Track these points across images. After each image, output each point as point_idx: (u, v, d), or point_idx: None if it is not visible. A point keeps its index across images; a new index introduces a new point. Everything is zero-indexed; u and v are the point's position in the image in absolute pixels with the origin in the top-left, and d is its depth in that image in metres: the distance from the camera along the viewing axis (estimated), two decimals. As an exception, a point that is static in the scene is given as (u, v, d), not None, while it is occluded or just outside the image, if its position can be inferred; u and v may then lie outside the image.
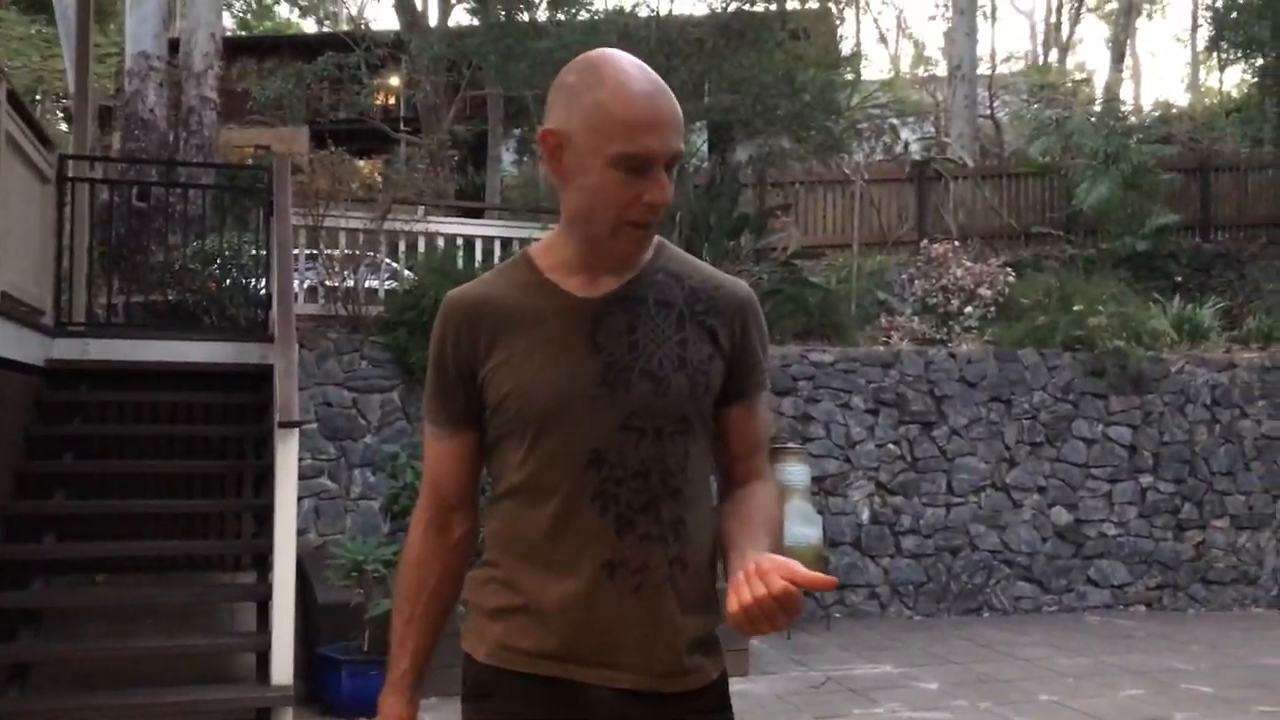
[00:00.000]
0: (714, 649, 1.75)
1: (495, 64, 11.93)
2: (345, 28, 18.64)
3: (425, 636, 1.79)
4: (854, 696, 6.20)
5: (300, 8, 29.85)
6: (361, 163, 13.07)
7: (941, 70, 23.94)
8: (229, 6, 25.20)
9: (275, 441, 5.69)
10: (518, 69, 11.24)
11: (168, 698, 5.39)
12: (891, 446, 8.69)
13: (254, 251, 8.24)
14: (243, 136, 18.14)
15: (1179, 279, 12.40)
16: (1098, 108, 17.31)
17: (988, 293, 10.00)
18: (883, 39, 36.68)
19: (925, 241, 11.68)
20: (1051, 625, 8.33)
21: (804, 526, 7.55)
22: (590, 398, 1.64)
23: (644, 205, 1.60)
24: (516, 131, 15.93)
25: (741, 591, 1.45)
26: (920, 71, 29.53)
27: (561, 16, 11.56)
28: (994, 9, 28.98)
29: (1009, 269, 10.59)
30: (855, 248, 11.64)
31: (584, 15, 11.76)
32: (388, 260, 8.97)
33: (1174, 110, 20.09)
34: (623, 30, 10.46)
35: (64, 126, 18.71)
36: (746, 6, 11.40)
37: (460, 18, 16.67)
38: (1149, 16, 31.64)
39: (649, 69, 1.64)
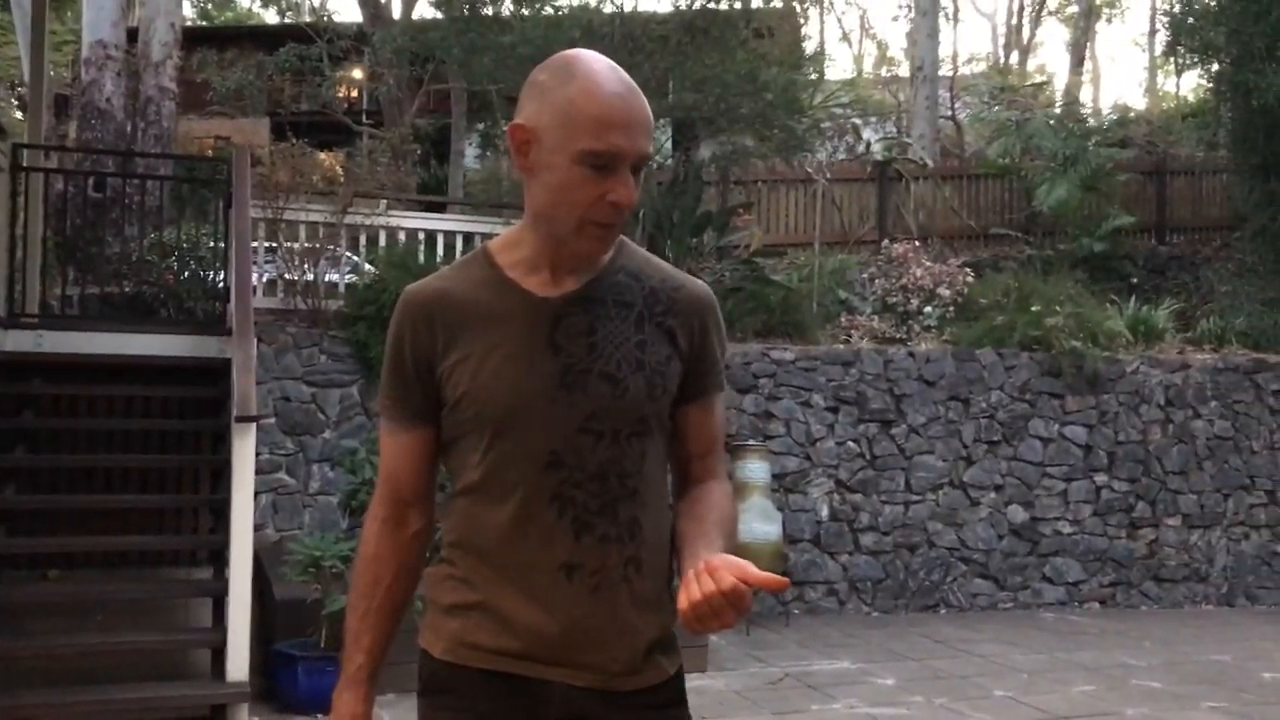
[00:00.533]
0: (670, 646, 1.75)
1: (458, 58, 11.87)
2: (307, 19, 18.47)
3: (381, 632, 1.77)
4: (812, 692, 6.24)
5: (262, -2, 29.55)
6: (323, 155, 13.00)
7: (904, 71, 24.09)
8: (189, -4, 24.86)
9: (232, 436, 5.64)
10: (481, 63, 11.18)
11: (121, 695, 5.33)
12: (851, 444, 8.74)
13: (212, 244, 8.15)
14: (202, 128, 17.97)
15: (1135, 280, 12.57)
16: (1057, 110, 17.50)
17: (947, 292, 10.09)
18: (846, 39, 36.97)
19: (886, 241, 11.77)
20: (1007, 622, 8.42)
21: (764, 523, 7.58)
22: (549, 400, 1.64)
23: (608, 205, 1.59)
24: (479, 126, 15.85)
25: (691, 589, 1.46)
26: (883, 72, 29.70)
27: (525, 12, 11.51)
28: (956, 11, 29.17)
29: (968, 269, 10.70)
30: (817, 246, 11.69)
31: (548, 10, 11.72)
32: (348, 254, 8.91)
33: (1132, 114, 20.34)
34: (586, 26, 10.43)
35: (19, 115, 18.42)
36: (711, 4, 11.40)
37: (424, 11, 16.60)
38: (1109, 21, 32.07)
39: (622, 71, 1.63)
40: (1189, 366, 9.58)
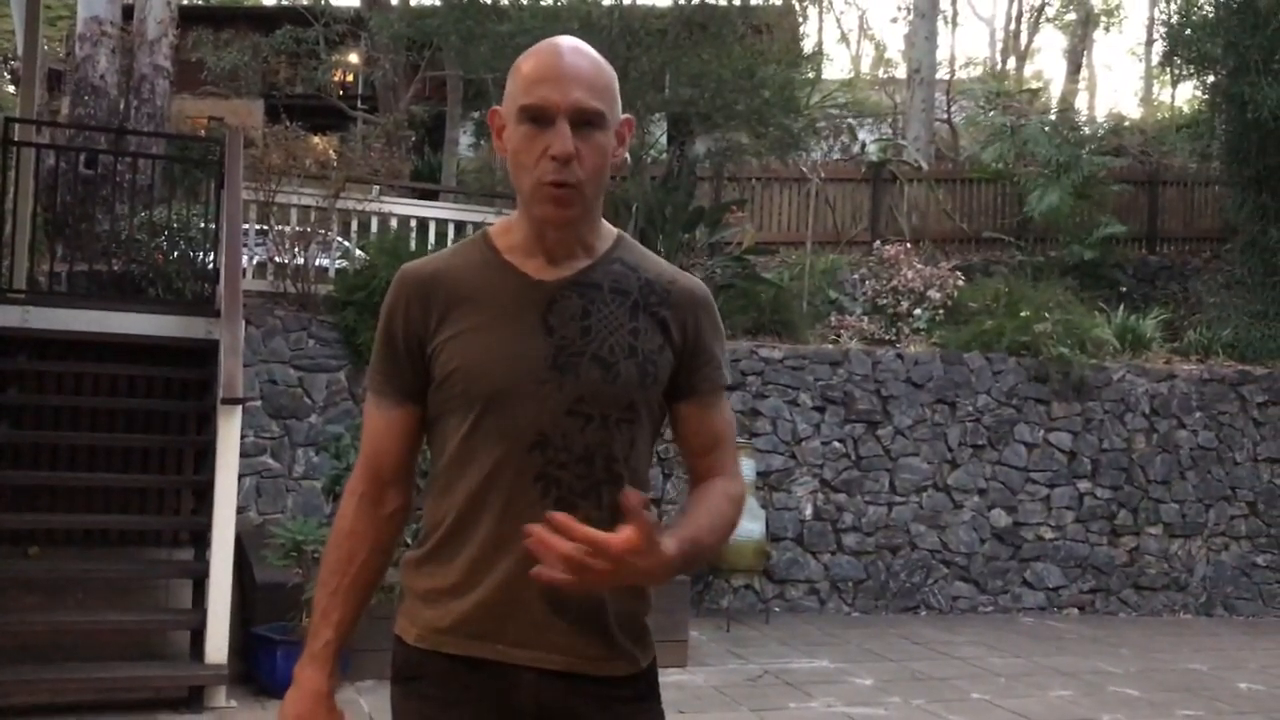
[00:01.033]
0: (644, 637, 1.75)
1: (455, 45, 11.84)
2: (305, 2, 18.39)
3: (350, 609, 1.76)
4: (790, 690, 6.25)
5: (259, -21, 29.41)
6: (316, 139, 12.93)
7: (901, 73, 24.10)
8: (186, -26, 24.71)
9: (218, 418, 5.63)
10: (478, 51, 11.15)
11: (98, 673, 5.32)
12: (837, 444, 8.76)
13: (203, 225, 8.12)
14: (196, 107, 17.89)
15: (1124, 289, 12.61)
16: (1052, 117, 17.50)
17: (937, 295, 10.11)
18: (844, 39, 36.96)
19: (878, 242, 11.78)
20: (986, 625, 8.45)
21: (747, 521, 7.58)
22: (539, 380, 1.64)
23: (547, 159, 1.60)
24: (475, 114, 15.81)
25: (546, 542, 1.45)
26: (880, 73, 29.72)
27: (524, 1, 11.49)
28: (955, 14, 29.21)
29: (959, 273, 10.71)
30: (809, 246, 11.70)
31: (546, 1, 11.70)
32: (339, 239, 8.88)
33: (1126, 123, 20.38)
34: (584, 18, 10.41)
35: (11, 89, 18.32)
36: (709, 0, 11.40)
37: (422, -3, 16.52)
38: (1106, 29, 32.11)
39: (586, 48, 1.65)
40: (1175, 376, 9.62)
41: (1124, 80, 54.72)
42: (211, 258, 7.57)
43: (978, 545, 8.97)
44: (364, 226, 9.02)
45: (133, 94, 12.27)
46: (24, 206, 7.47)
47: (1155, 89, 30.45)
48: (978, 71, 29.94)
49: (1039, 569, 9.11)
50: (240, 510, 6.32)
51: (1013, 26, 30.81)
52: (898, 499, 8.83)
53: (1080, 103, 28.65)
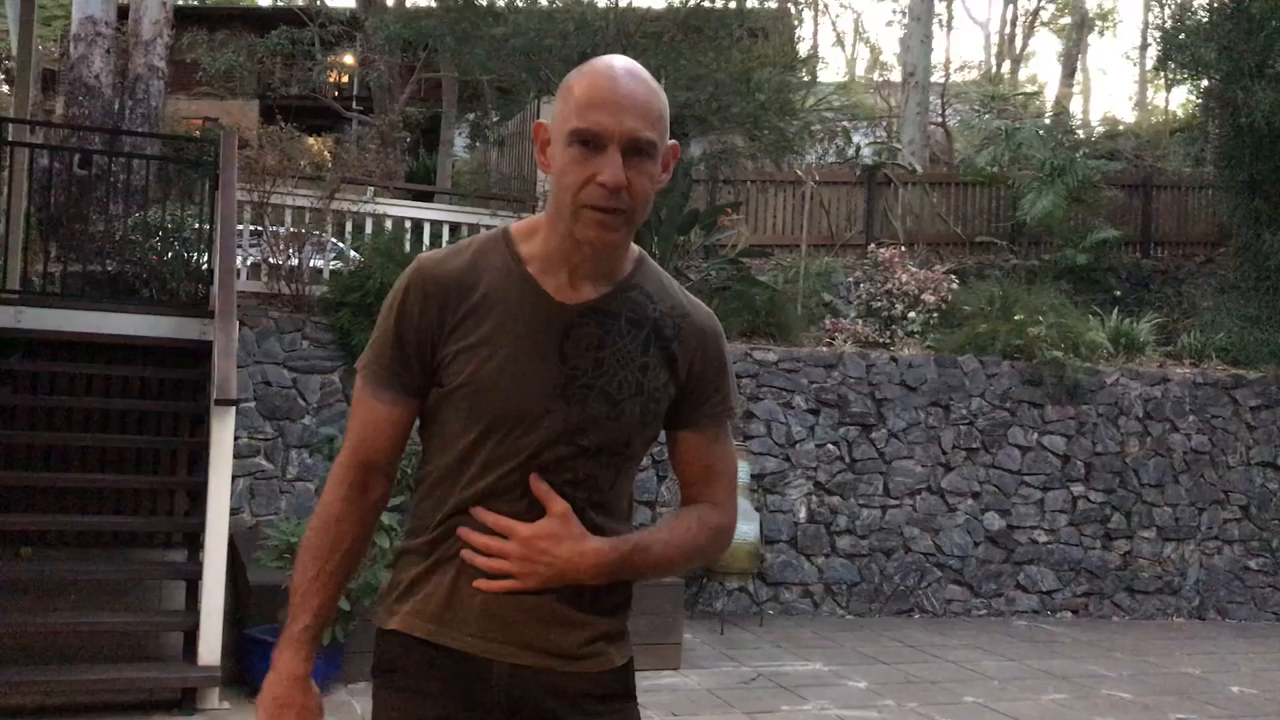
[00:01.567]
0: (619, 637, 1.76)
1: (451, 47, 11.84)
2: (300, 3, 18.39)
3: (329, 595, 1.76)
4: (784, 693, 6.25)
5: (255, -20, 29.38)
6: (311, 140, 12.95)
7: (896, 76, 24.14)
8: (181, -25, 24.67)
9: (211, 419, 5.62)
10: (473, 53, 11.16)
11: (91, 675, 5.31)
12: (831, 447, 8.76)
13: (197, 225, 8.11)
14: (190, 108, 17.87)
15: (1118, 293, 12.62)
16: (1047, 121, 17.55)
17: (931, 299, 10.12)
18: (840, 42, 37.02)
19: (872, 245, 11.79)
20: (980, 629, 8.46)
21: (741, 523, 7.59)
22: (545, 408, 1.65)
23: (596, 185, 1.58)
24: (470, 116, 15.82)
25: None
26: (875, 76, 29.77)
27: (520, 3, 11.49)
28: (950, 18, 29.28)
29: (953, 276, 10.73)
30: (803, 248, 11.71)
31: (542, 3, 11.70)
32: (334, 240, 8.87)
33: (1121, 127, 20.48)
34: (580, 20, 10.42)
35: (5, 89, 18.28)
36: (705, 2, 11.41)
37: (418, -2, 16.52)
38: (1101, 34, 32.23)
39: (641, 72, 1.65)
40: (1168, 380, 9.64)
41: (1118, 84, 54.91)
42: (205, 258, 7.56)
43: (971, 548, 8.98)
44: (358, 228, 9.01)
45: (127, 94, 12.25)
46: (18, 206, 7.46)
47: (1149, 93, 30.57)
48: (973, 75, 30.02)
49: (1032, 572, 9.12)
50: (233, 512, 6.31)
51: (1008, 30, 30.93)
52: (892, 502, 8.84)
53: (1075, 107, 28.73)
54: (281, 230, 8.33)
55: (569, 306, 1.67)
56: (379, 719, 1.74)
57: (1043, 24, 31.40)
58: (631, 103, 1.60)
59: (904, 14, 22.11)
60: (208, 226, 7.23)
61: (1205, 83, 12.62)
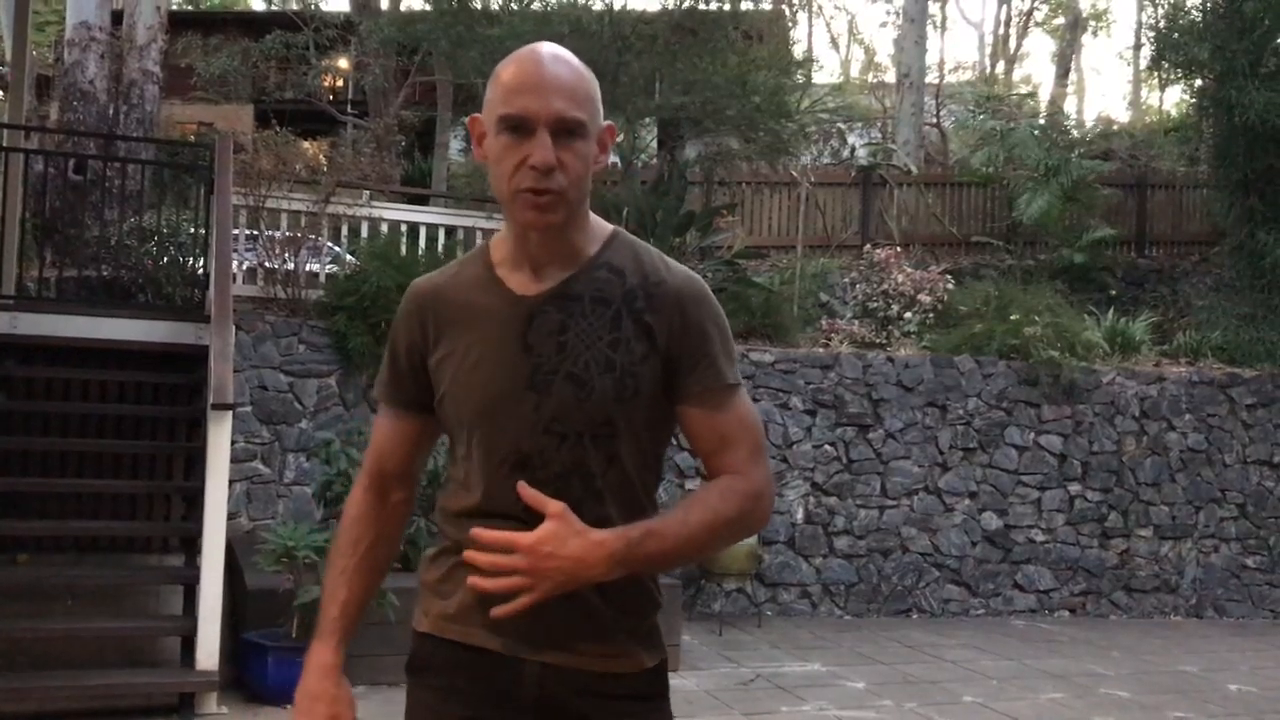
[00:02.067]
0: (649, 637, 1.76)
1: (445, 50, 11.85)
2: (295, 6, 18.39)
3: (355, 590, 1.82)
4: (782, 694, 6.25)
5: (249, -16, 29.38)
6: (306, 144, 12.93)
7: (890, 77, 24.18)
8: (175, -21, 24.66)
9: (208, 423, 5.61)
10: (468, 56, 11.16)
11: (88, 681, 5.30)
12: (828, 448, 8.77)
13: (193, 230, 8.11)
14: (185, 113, 17.86)
15: (1113, 292, 12.64)
16: (1041, 121, 17.56)
17: (927, 299, 10.13)
18: (834, 44, 37.06)
19: (868, 246, 11.80)
20: (978, 628, 8.46)
21: (739, 524, 7.58)
22: (516, 400, 1.65)
23: (527, 169, 1.59)
24: (465, 119, 15.79)
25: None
26: (870, 78, 29.81)
27: (514, 5, 11.50)
28: (944, 19, 29.32)
29: (949, 276, 10.74)
30: (799, 250, 11.73)
31: (536, 5, 11.71)
32: (329, 244, 8.87)
33: (1115, 127, 20.50)
34: (575, 22, 10.42)
35: (-1, 94, 18.24)
36: (700, 5, 11.41)
37: (412, 1, 16.54)
38: (1094, 34, 32.32)
39: (567, 55, 1.64)
40: (1164, 379, 9.65)
41: (1112, 84, 55.03)
42: (201, 263, 7.56)
43: (969, 548, 8.99)
44: (354, 231, 9.00)
45: (122, 99, 12.24)
46: (12, 212, 7.45)
47: (1143, 93, 30.62)
48: (967, 76, 30.04)
49: (1030, 572, 9.12)
50: (231, 516, 6.30)
51: (1002, 31, 30.96)
52: (889, 502, 8.84)
53: (1069, 106, 28.79)
54: (277, 234, 8.33)
55: (529, 298, 1.69)
56: (411, 718, 1.78)
57: (1036, 24, 31.45)
58: (557, 85, 1.60)
59: (898, 15, 22.13)
60: (203, 231, 7.23)
61: (1199, 82, 12.65)
